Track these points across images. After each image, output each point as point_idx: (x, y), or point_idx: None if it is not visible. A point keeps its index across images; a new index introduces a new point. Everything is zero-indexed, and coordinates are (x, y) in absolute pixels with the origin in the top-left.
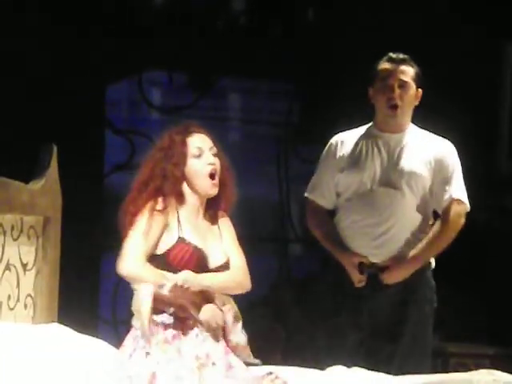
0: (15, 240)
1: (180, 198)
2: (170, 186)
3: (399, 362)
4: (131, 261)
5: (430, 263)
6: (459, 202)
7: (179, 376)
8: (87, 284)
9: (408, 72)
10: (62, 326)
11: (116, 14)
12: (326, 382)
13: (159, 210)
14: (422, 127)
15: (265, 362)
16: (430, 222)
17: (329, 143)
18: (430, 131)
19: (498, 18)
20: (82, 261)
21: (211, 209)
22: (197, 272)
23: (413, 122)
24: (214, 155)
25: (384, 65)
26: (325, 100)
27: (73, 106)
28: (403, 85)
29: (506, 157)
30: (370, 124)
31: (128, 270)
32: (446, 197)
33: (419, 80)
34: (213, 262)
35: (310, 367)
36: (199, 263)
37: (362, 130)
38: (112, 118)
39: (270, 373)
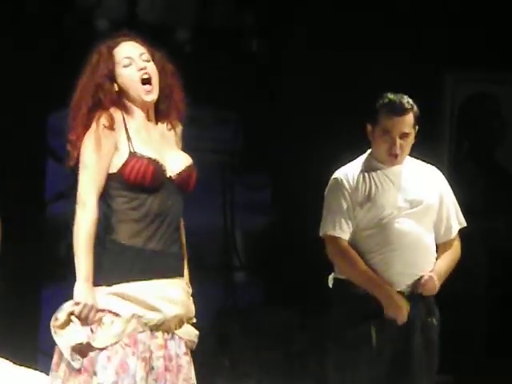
0: None
1: (119, 109)
2: (104, 99)
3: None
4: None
5: None
6: (460, 231)
7: None
8: (26, 316)
9: (409, 121)
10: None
11: (59, 43)
12: None
13: (106, 126)
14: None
15: None
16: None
17: (334, 179)
18: None
19: (437, 48)
20: (21, 292)
21: (162, 119)
22: (156, 184)
23: (355, 150)
24: (147, 60)
25: (385, 114)
26: (269, 128)
27: (14, 134)
28: (404, 136)
29: None
30: (368, 154)
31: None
32: (454, 227)
33: (417, 120)
34: (171, 170)
35: None
36: (156, 174)
37: (360, 162)
38: (54, 147)
39: None
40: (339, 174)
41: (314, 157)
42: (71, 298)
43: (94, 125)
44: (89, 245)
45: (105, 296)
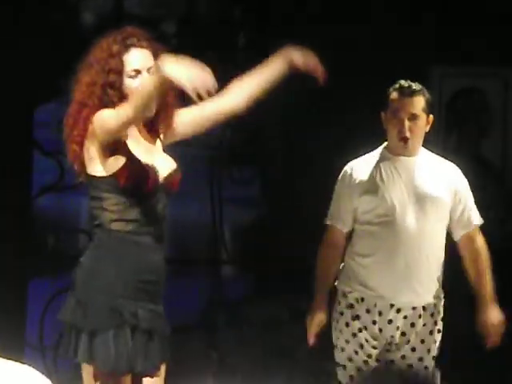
0: None
1: None
2: (114, 99)
3: None
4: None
5: None
6: (479, 226)
7: None
8: (13, 308)
9: (418, 103)
10: None
11: (46, 36)
12: None
13: None
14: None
15: None
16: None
17: (343, 171)
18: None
19: (424, 43)
20: (8, 284)
21: (150, 129)
22: (151, 190)
23: (343, 145)
24: (153, 73)
25: (394, 96)
26: (257, 122)
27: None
28: (413, 117)
29: None
30: (383, 147)
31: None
32: (473, 223)
33: (430, 107)
34: (162, 175)
35: None
36: (151, 180)
37: (374, 154)
38: (40, 140)
39: None
40: (348, 165)
41: (302, 151)
42: (58, 291)
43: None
44: None
45: None
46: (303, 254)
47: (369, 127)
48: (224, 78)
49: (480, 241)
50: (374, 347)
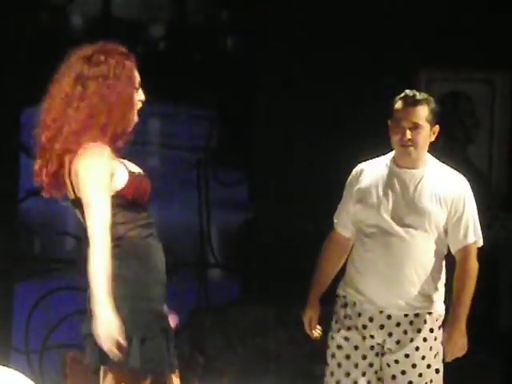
0: None
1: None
2: (116, 122)
3: None
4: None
5: None
6: (476, 244)
7: None
8: None
9: (421, 113)
10: None
11: (32, 38)
12: None
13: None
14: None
15: None
16: (443, 263)
17: (352, 172)
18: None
19: (410, 48)
20: None
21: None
22: (148, 197)
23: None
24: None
25: (398, 105)
26: (244, 125)
27: None
28: (415, 127)
29: None
30: (391, 156)
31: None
32: (465, 239)
33: (435, 117)
34: None
35: None
36: (147, 188)
37: (382, 161)
38: (27, 142)
39: None
40: (356, 168)
41: (290, 154)
42: (44, 294)
43: (98, 154)
44: None
45: None
46: (290, 256)
47: (355, 132)
48: (212, 79)
49: (471, 262)
50: (356, 347)
